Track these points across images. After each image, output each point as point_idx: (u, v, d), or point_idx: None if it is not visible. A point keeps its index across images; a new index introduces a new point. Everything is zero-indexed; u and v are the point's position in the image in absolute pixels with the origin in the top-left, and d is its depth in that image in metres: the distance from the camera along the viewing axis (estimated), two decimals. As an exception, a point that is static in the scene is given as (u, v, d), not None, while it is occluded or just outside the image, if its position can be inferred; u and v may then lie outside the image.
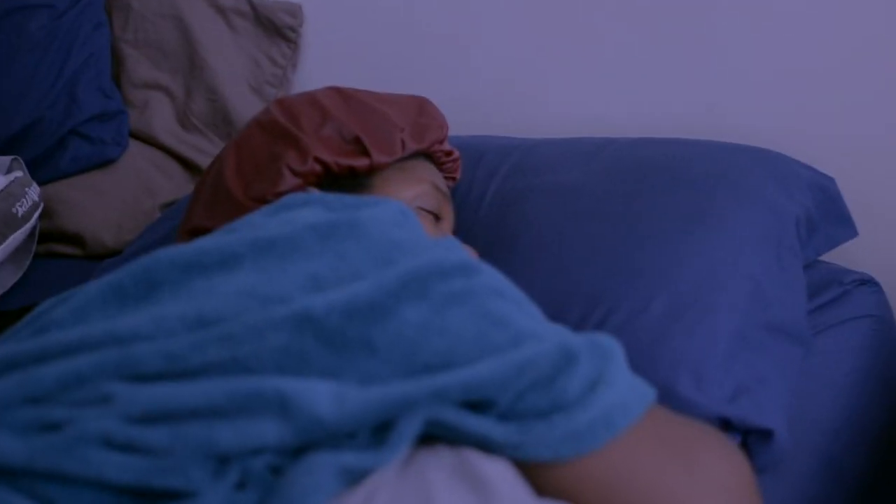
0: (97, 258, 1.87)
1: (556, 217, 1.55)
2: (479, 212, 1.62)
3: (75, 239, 1.87)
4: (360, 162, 1.46)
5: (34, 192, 1.78)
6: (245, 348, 1.10)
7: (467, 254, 1.27)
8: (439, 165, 1.59)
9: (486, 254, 1.54)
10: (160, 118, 1.95)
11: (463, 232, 1.61)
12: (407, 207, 1.32)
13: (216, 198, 1.50)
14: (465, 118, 1.84)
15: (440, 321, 1.15)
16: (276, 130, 1.49)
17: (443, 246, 1.25)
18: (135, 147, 1.95)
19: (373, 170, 1.48)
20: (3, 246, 1.72)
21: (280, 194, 1.45)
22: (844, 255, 1.76)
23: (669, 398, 1.33)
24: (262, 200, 1.45)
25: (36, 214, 1.78)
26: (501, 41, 2.02)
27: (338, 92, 1.54)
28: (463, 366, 1.11)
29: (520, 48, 2.01)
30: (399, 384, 1.11)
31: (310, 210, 1.32)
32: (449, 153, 1.59)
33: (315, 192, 1.37)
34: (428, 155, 1.56)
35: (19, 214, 1.74)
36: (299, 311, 1.13)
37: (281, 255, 1.22)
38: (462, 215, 1.63)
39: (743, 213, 1.51)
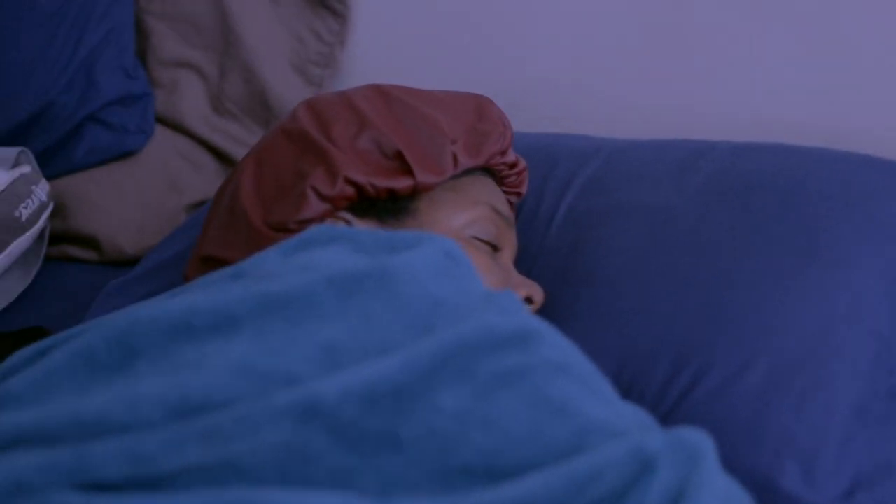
0: (115, 264, 1.65)
1: (640, 246, 1.30)
2: (548, 236, 1.36)
3: (90, 241, 1.65)
4: (402, 183, 1.22)
5: (42, 190, 1.56)
6: (235, 447, 0.90)
7: (526, 313, 1.04)
8: (501, 180, 1.33)
9: (554, 290, 1.29)
10: (190, 102, 1.71)
11: (527, 261, 1.35)
12: (456, 246, 1.10)
13: (232, 221, 1.27)
14: (528, 112, 1.58)
15: (485, 410, 0.95)
16: (303, 141, 1.24)
17: (497, 305, 1.02)
18: (161, 135, 1.71)
19: (417, 192, 1.23)
20: (4, 254, 1.51)
21: (304, 223, 1.21)
22: None
23: (770, 492, 1.08)
24: (284, 229, 1.22)
25: (44, 216, 1.56)
26: (573, 21, 1.74)
27: (379, 92, 1.28)
28: (511, 474, 0.91)
29: (598, 28, 1.73)
30: (428, 499, 0.88)
31: (334, 251, 1.10)
32: (513, 165, 1.33)
33: (343, 226, 1.12)
34: (487, 169, 1.31)
35: (23, 218, 1.52)
36: (306, 398, 0.92)
37: (290, 317, 1.01)
38: (527, 239, 1.37)
39: (868, 247, 1.24)
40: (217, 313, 0.99)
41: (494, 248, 1.25)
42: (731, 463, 1.11)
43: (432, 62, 1.73)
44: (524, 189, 1.36)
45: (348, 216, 1.22)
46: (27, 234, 1.54)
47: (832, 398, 1.14)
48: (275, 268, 1.08)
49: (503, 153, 1.30)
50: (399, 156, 1.22)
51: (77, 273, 1.64)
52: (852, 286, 1.21)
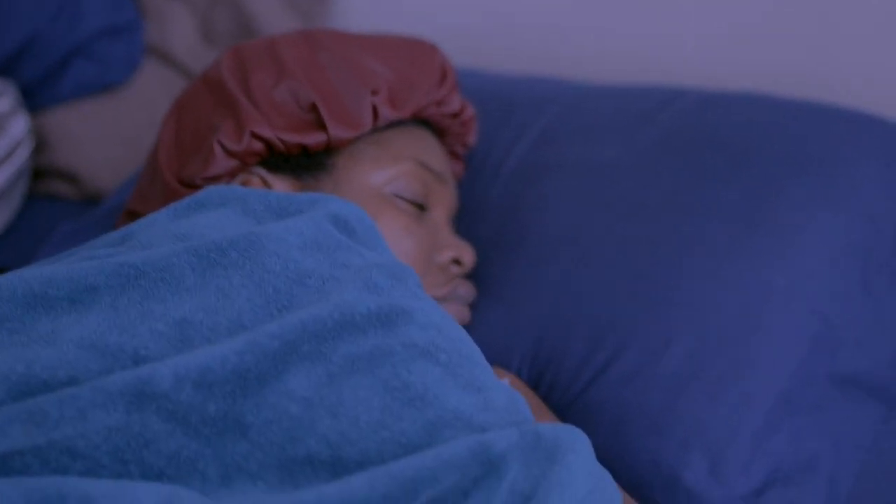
0: (97, 201, 1.62)
1: (577, 207, 1.20)
2: (493, 190, 1.27)
3: (71, 178, 1.62)
4: (314, 138, 1.15)
5: (19, 127, 1.52)
6: (64, 431, 0.86)
7: (405, 288, 0.97)
8: (442, 131, 1.25)
9: (489, 251, 1.21)
10: (179, 32, 1.65)
11: (469, 215, 1.27)
12: (353, 209, 1.04)
13: (152, 174, 1.22)
14: (512, 51, 1.49)
15: (335, 396, 0.90)
16: (220, 91, 1.18)
17: (371, 279, 0.95)
18: (150, 67, 1.65)
19: (332, 147, 1.16)
20: (-25, 193, 1.49)
21: (213, 179, 1.16)
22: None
23: (671, 487, 1.00)
24: (194, 186, 1.16)
25: (19, 152, 1.53)
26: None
27: (307, 38, 1.21)
28: (354, 467, 0.86)
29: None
30: (262, 492, 0.85)
31: (221, 215, 1.05)
32: (456, 114, 1.24)
33: (238, 187, 1.06)
34: (423, 120, 1.23)
35: (-4, 156, 1.50)
36: (139, 381, 0.88)
37: (147, 289, 0.97)
38: (472, 192, 1.29)
39: (821, 215, 1.12)
40: (75, 283, 0.95)
41: (420, 206, 1.18)
42: (636, 455, 1.03)
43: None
44: (471, 139, 1.28)
45: (262, 172, 1.16)
46: (1, 172, 1.51)
47: (753, 384, 1.05)
48: (158, 232, 1.04)
49: (440, 103, 1.22)
50: (314, 108, 1.15)
51: (59, 210, 1.61)
52: (795, 259, 1.10)
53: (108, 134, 1.63)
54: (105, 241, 1.04)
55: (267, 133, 1.14)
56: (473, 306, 1.20)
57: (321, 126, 1.15)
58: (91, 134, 1.62)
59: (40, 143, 1.63)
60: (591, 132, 1.26)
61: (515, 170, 1.27)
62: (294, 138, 1.14)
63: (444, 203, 1.20)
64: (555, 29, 1.58)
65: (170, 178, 1.17)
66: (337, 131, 1.14)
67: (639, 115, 1.26)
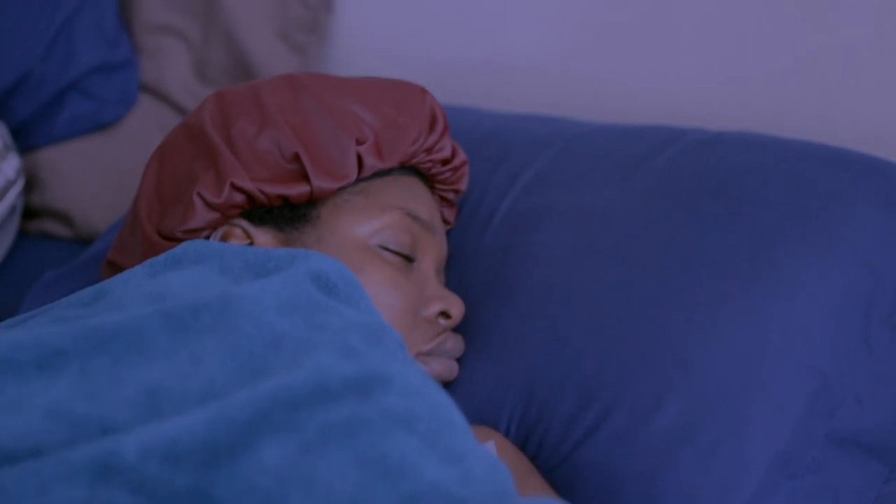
0: (90, 242, 1.59)
1: (568, 256, 1.16)
2: (485, 237, 1.24)
3: (63, 217, 1.59)
4: (296, 189, 1.12)
5: (10, 166, 1.50)
6: None
7: (384, 350, 0.94)
8: (433, 178, 1.21)
9: (478, 302, 1.18)
10: (175, 69, 1.62)
11: (460, 264, 1.23)
12: (335, 266, 1.00)
13: (132, 224, 1.19)
14: (511, 90, 1.45)
15: (309, 468, 0.86)
16: (201, 139, 1.15)
17: (347, 343, 0.92)
18: (145, 105, 1.62)
19: (316, 198, 1.13)
20: (-35, 234, 1.46)
21: (193, 232, 1.13)
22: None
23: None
24: (173, 239, 1.13)
25: (12, 193, 1.50)
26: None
27: (291, 84, 1.17)
28: None
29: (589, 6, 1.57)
30: None
31: (197, 273, 1.02)
32: (447, 160, 1.21)
33: (214, 243, 1.03)
34: (413, 167, 1.19)
35: (-14, 197, 1.47)
36: (104, 454, 0.85)
37: (117, 354, 0.94)
38: (464, 239, 1.25)
39: (821, 265, 1.08)
40: (43, 347, 0.92)
41: (408, 258, 1.14)
42: (622, 525, 0.99)
43: (421, 26, 1.60)
44: (463, 186, 1.24)
45: (244, 224, 1.13)
46: (-9, 211, 1.49)
47: (749, 447, 1.00)
48: (132, 291, 1.01)
49: (429, 150, 1.18)
50: (297, 159, 1.12)
51: (52, 250, 1.59)
52: (792, 313, 1.05)
53: (102, 173, 1.60)
54: (78, 299, 1.02)
55: (248, 185, 1.11)
56: (461, 360, 1.16)
57: (304, 177, 1.12)
58: (84, 173, 1.60)
59: (33, 182, 1.61)
60: (586, 176, 1.23)
61: (507, 216, 1.23)
62: (276, 190, 1.11)
63: (432, 253, 1.17)
64: (553, 67, 1.54)
65: (149, 230, 1.14)
66: (320, 182, 1.11)
67: (636, 158, 1.22)
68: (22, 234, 1.62)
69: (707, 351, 1.05)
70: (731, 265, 1.09)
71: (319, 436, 0.86)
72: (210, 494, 0.83)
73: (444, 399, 0.93)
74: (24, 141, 1.60)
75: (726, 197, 1.14)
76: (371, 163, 1.13)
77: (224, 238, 1.12)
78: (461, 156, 1.22)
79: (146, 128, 1.63)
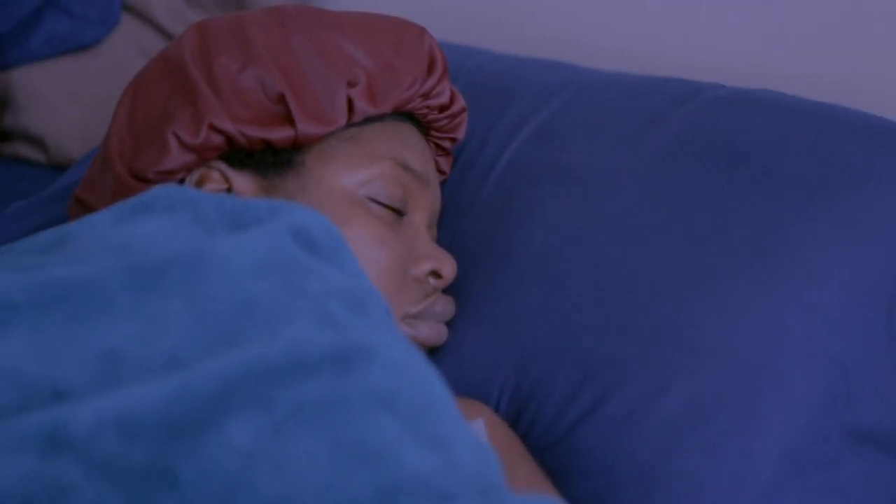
0: (65, 168, 1.51)
1: (570, 220, 1.08)
2: (482, 191, 1.15)
3: (37, 141, 1.50)
4: (280, 133, 1.03)
5: (-20, 85, 1.42)
6: None
7: (368, 319, 0.86)
8: (428, 124, 1.13)
9: (472, 263, 1.10)
10: (161, -11, 1.54)
11: (455, 218, 1.15)
12: (320, 220, 0.92)
13: (103, 162, 1.10)
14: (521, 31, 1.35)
15: (279, 450, 0.78)
16: (179, 74, 1.06)
17: (320, 312, 0.84)
18: (128, 26, 1.53)
19: (300, 144, 1.04)
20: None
21: (167, 174, 1.04)
22: None
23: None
24: (146, 180, 1.04)
25: (-17, 113, 1.42)
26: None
27: (279, 17, 1.08)
28: None
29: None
30: None
31: (168, 222, 0.94)
32: (444, 107, 1.12)
33: (188, 189, 0.94)
34: (408, 112, 1.10)
35: (-47, 117, 1.39)
36: (53, 425, 0.78)
37: (75, 311, 0.86)
38: (461, 190, 1.17)
39: (845, 247, 0.99)
40: None
41: (398, 211, 1.06)
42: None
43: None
44: (461, 134, 1.15)
45: (223, 167, 1.05)
46: (-43, 134, 1.40)
47: (758, 439, 0.93)
48: (97, 239, 0.93)
49: (426, 95, 1.10)
50: (282, 100, 1.03)
51: (24, 175, 1.51)
52: (813, 297, 0.97)
53: (79, 97, 1.52)
54: (38, 243, 0.94)
55: (228, 126, 1.02)
56: (451, 324, 1.08)
57: (289, 120, 1.03)
58: (60, 96, 1.51)
59: (6, 103, 1.52)
60: (594, 132, 1.14)
61: (507, 171, 1.14)
62: (258, 133, 1.02)
63: (424, 207, 1.08)
64: (565, 9, 1.44)
65: (120, 168, 1.06)
66: (306, 127, 1.02)
67: (648, 115, 1.13)
68: (-5, 156, 1.54)
69: (717, 333, 0.96)
70: (747, 242, 1.00)
71: (292, 414, 0.79)
72: (171, 472, 0.76)
73: (430, 375, 0.85)
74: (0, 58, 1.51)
75: (744, 165, 1.05)
76: (362, 108, 1.05)
77: (200, 181, 1.04)
78: (460, 102, 1.13)
79: (128, 51, 1.54)
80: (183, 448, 0.76)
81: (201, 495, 0.75)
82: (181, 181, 1.05)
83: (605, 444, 0.95)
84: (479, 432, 0.95)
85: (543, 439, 0.99)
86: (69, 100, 1.51)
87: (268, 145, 1.04)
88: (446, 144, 1.16)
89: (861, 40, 1.27)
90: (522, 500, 0.77)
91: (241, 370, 0.79)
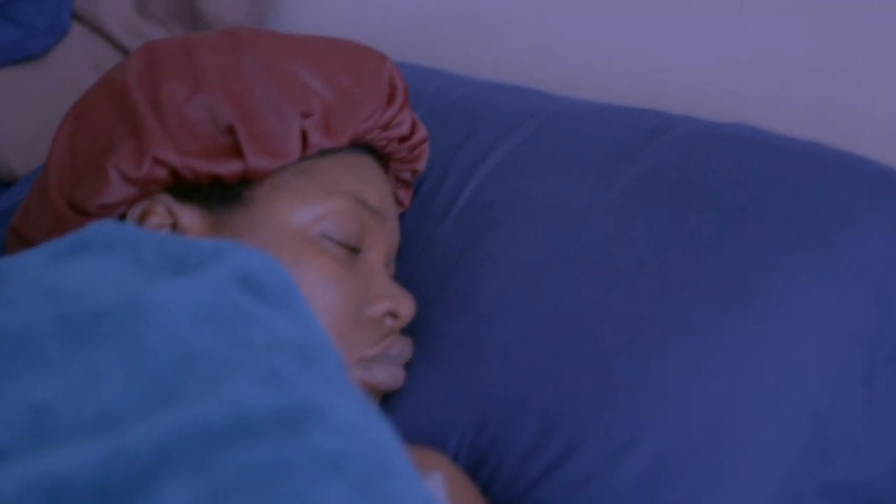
0: (6, 184, 1.44)
1: (537, 259, 1.02)
2: (442, 226, 1.10)
3: (-22, 158, 1.44)
4: (229, 168, 0.97)
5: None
6: None
7: (317, 374, 0.82)
8: (386, 157, 1.07)
9: (431, 301, 1.04)
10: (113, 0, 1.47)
11: (414, 254, 1.09)
12: (268, 262, 0.86)
13: (41, 192, 1.04)
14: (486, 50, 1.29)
15: None
16: (122, 100, 1.01)
17: (265, 368, 0.78)
18: (77, 37, 1.46)
19: (250, 178, 0.98)
20: None
21: (108, 208, 0.98)
22: None
23: None
24: (86, 213, 0.99)
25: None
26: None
27: (232, 41, 1.03)
28: None
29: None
30: None
31: (106, 263, 0.88)
32: (405, 138, 1.07)
33: (129, 227, 0.88)
34: (366, 144, 1.05)
35: None
36: None
37: (2, 363, 0.78)
38: (419, 225, 1.11)
39: (822, 293, 0.95)
40: None
41: (353, 249, 1.01)
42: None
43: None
44: (421, 166, 1.10)
45: (168, 201, 0.99)
46: None
47: (729, 499, 0.88)
48: (28, 281, 0.87)
49: (386, 126, 1.04)
50: (232, 131, 0.97)
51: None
52: (789, 348, 0.92)
53: (24, 110, 1.45)
54: None
55: (173, 159, 0.96)
56: (409, 365, 1.03)
57: (238, 153, 0.97)
58: (4, 108, 1.44)
59: (-52, 117, 1.45)
60: (562, 164, 1.08)
61: (469, 205, 1.09)
62: (205, 167, 0.97)
63: (381, 243, 1.03)
64: (538, 30, 1.39)
65: (58, 200, 1.00)
66: (256, 161, 0.97)
67: (618, 149, 1.08)
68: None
69: (689, 386, 0.92)
70: (719, 289, 0.95)
71: (234, 480, 0.73)
72: None
73: (383, 435, 0.80)
74: (-59, 69, 1.44)
75: (717, 207, 1.00)
76: (317, 140, 0.99)
77: (143, 216, 0.98)
78: (421, 132, 1.08)
79: (77, 63, 1.47)
80: None
81: (134, 565, 0.71)
82: (123, 215, 1.00)
83: (567, 504, 0.91)
84: (436, 486, 0.90)
85: (503, 495, 0.94)
86: (14, 112, 1.44)
87: (216, 179, 0.98)
88: (406, 176, 1.10)
89: (844, 68, 1.22)
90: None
91: (179, 433, 0.74)
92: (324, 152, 1.01)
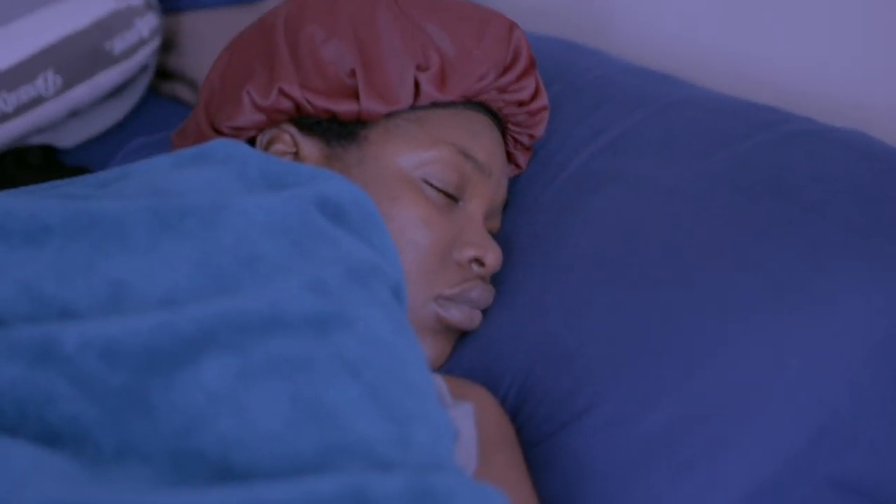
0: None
1: (616, 229, 1.09)
2: (547, 191, 1.17)
3: (193, 83, 1.60)
4: (344, 107, 1.08)
5: (147, 25, 1.50)
6: None
7: (365, 293, 0.91)
8: (505, 119, 1.15)
9: (520, 259, 1.12)
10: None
11: (517, 214, 1.17)
12: (355, 194, 0.97)
13: (195, 110, 1.17)
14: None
15: (243, 394, 0.84)
16: (268, 37, 1.13)
17: (313, 278, 0.89)
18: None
19: (364, 119, 1.08)
20: (88, 84, 1.48)
21: (240, 130, 1.11)
22: None
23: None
24: (220, 133, 1.12)
25: (143, 51, 1.51)
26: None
27: (378, -8, 1.12)
28: (240, 476, 0.80)
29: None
30: (143, 480, 0.80)
31: (215, 173, 1.01)
32: (522, 102, 1.14)
33: (244, 146, 1.00)
34: (483, 103, 1.13)
35: (115, 51, 1.48)
36: (44, 339, 0.85)
37: (97, 240, 0.93)
38: (528, 188, 1.19)
39: (870, 295, 0.98)
40: (33, 220, 0.92)
41: (452, 197, 1.09)
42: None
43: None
44: (539, 132, 1.17)
45: (293, 131, 1.10)
46: (118, 67, 1.51)
47: (724, 472, 0.93)
48: (148, 181, 1.00)
49: (503, 89, 1.12)
50: (353, 74, 1.08)
51: (177, 114, 1.60)
52: (818, 340, 0.96)
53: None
54: (99, 179, 1.02)
55: (296, 93, 1.07)
56: (487, 311, 1.11)
57: (356, 95, 1.07)
58: (221, 44, 1.59)
59: (171, 45, 1.61)
60: (665, 146, 1.14)
61: (575, 174, 1.16)
62: (324, 103, 1.07)
63: (483, 197, 1.11)
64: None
65: (203, 119, 1.13)
66: (369, 104, 1.07)
67: (724, 137, 1.14)
68: (155, 94, 1.64)
69: (714, 360, 0.97)
70: (767, 276, 1.00)
71: (263, 365, 0.84)
72: (146, 399, 0.82)
73: (412, 355, 0.89)
74: (170, 2, 1.60)
75: (790, 202, 1.05)
76: (429, 92, 1.08)
77: (270, 142, 1.10)
78: (542, 100, 1.15)
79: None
80: (159, 379, 0.82)
81: (168, 424, 0.81)
82: (253, 139, 1.12)
83: (582, 451, 0.97)
84: (464, 415, 0.97)
85: (532, 436, 1.02)
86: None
87: (333, 116, 1.09)
88: (524, 140, 1.18)
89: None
90: (452, 482, 0.80)
91: (220, 318, 0.85)
92: (438, 105, 1.10)
